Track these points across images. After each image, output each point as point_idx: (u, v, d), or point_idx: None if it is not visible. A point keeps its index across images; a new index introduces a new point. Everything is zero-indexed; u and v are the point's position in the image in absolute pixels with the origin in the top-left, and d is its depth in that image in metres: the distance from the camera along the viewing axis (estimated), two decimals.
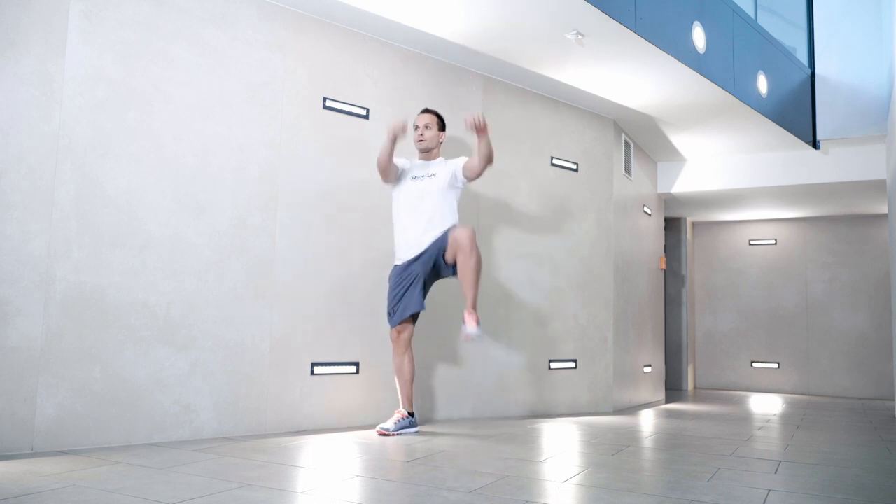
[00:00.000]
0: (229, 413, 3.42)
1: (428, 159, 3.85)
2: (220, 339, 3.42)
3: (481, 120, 3.57)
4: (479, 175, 3.76)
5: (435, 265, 3.67)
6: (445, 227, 3.69)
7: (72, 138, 3.04)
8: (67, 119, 3.03)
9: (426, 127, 3.82)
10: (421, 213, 3.71)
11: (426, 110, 3.89)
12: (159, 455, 2.85)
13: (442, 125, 3.88)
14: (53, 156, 2.98)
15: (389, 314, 3.74)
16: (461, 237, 3.54)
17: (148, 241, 3.22)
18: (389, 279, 3.79)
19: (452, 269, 3.67)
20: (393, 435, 3.55)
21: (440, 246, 3.64)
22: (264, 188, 3.65)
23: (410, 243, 3.70)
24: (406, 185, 3.80)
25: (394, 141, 3.65)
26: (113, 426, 3.05)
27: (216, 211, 3.46)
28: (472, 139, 4.45)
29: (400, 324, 3.70)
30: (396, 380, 3.74)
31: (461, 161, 3.79)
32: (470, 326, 3.52)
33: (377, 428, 3.61)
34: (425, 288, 3.72)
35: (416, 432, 3.68)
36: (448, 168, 3.78)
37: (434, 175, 3.76)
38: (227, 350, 3.44)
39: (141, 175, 3.23)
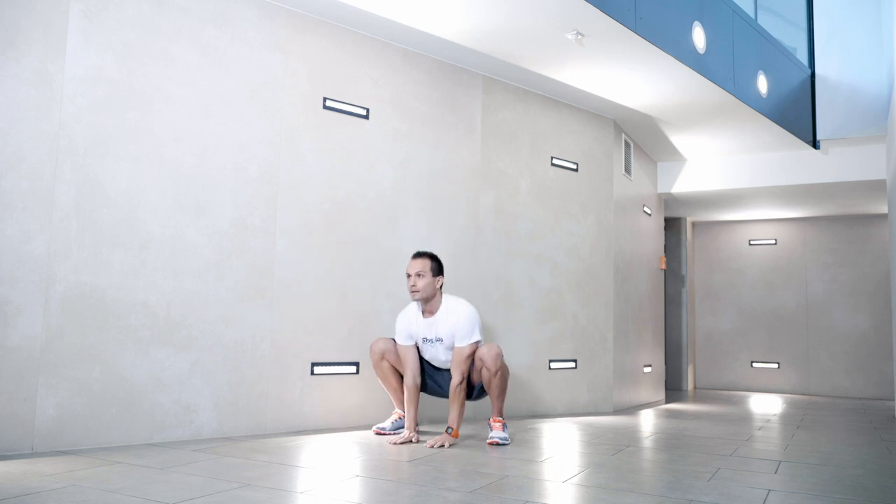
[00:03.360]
0: (229, 413, 3.42)
1: (430, 312, 3.52)
2: (220, 339, 3.42)
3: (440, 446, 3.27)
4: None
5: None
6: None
7: (72, 138, 3.04)
8: (67, 119, 3.03)
9: (418, 275, 3.46)
10: (439, 369, 3.65)
11: (417, 254, 3.54)
12: (159, 455, 2.85)
13: (437, 269, 3.52)
14: (53, 156, 2.98)
15: (397, 333, 3.62)
16: (487, 359, 3.39)
17: (148, 241, 3.22)
18: (401, 320, 3.62)
19: (475, 394, 3.56)
20: (389, 434, 3.56)
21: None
22: (264, 188, 3.65)
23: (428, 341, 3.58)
24: (421, 343, 3.60)
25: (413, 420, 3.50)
26: (113, 426, 3.05)
27: (216, 211, 3.46)
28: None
29: (388, 350, 3.61)
30: (384, 386, 3.72)
31: (461, 335, 3.44)
32: (496, 432, 3.42)
33: (374, 427, 3.62)
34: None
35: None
36: (450, 330, 3.48)
37: (441, 340, 3.52)
38: (227, 350, 3.44)
39: (141, 175, 3.23)
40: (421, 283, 3.46)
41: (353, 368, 3.91)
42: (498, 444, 3.36)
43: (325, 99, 3.93)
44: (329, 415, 3.79)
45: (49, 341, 2.91)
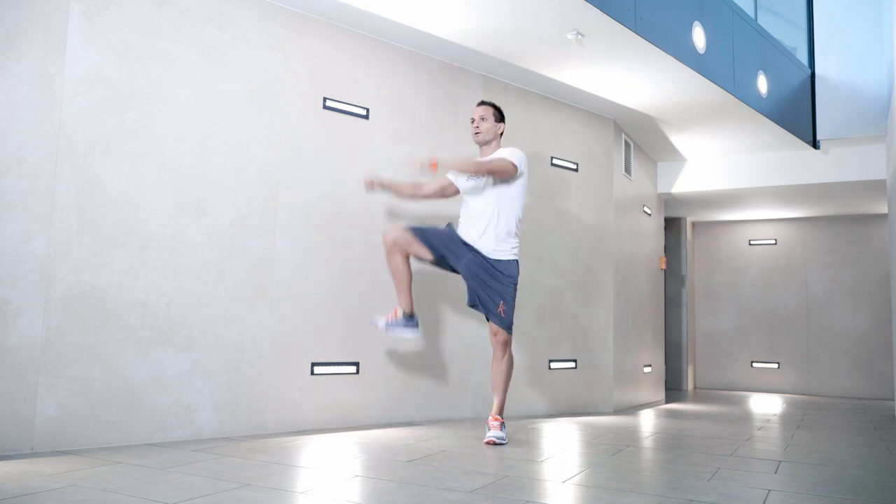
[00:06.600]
0: (229, 413, 3.42)
1: (486, 154, 3.64)
2: (220, 339, 3.42)
3: (430, 164, 3.38)
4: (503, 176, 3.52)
5: (476, 281, 3.48)
6: (505, 238, 3.52)
7: (72, 138, 3.04)
8: (67, 119, 3.03)
9: (482, 119, 3.63)
10: (478, 216, 3.54)
11: (482, 102, 3.71)
12: (159, 455, 2.85)
13: (500, 116, 3.68)
14: (53, 156, 2.98)
15: (416, 226, 3.57)
16: (497, 339, 3.46)
17: (148, 241, 3.22)
18: (447, 226, 3.63)
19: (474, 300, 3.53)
20: (383, 332, 3.52)
21: (491, 292, 3.45)
22: (264, 188, 3.65)
23: (470, 236, 3.54)
24: (464, 184, 3.64)
25: (391, 188, 3.65)
26: (113, 426, 3.05)
27: (216, 211, 3.46)
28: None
29: (414, 238, 3.50)
30: (392, 280, 3.58)
31: (506, 154, 3.57)
32: (494, 432, 3.40)
33: (370, 322, 3.51)
34: (452, 267, 3.56)
35: (415, 336, 3.55)
36: (499, 156, 3.57)
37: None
38: (227, 350, 3.44)
39: (141, 175, 3.23)
40: (484, 125, 3.63)
41: (353, 368, 3.91)
42: (495, 444, 3.35)
43: (325, 99, 3.93)
44: (329, 415, 3.79)
45: (49, 341, 2.91)
